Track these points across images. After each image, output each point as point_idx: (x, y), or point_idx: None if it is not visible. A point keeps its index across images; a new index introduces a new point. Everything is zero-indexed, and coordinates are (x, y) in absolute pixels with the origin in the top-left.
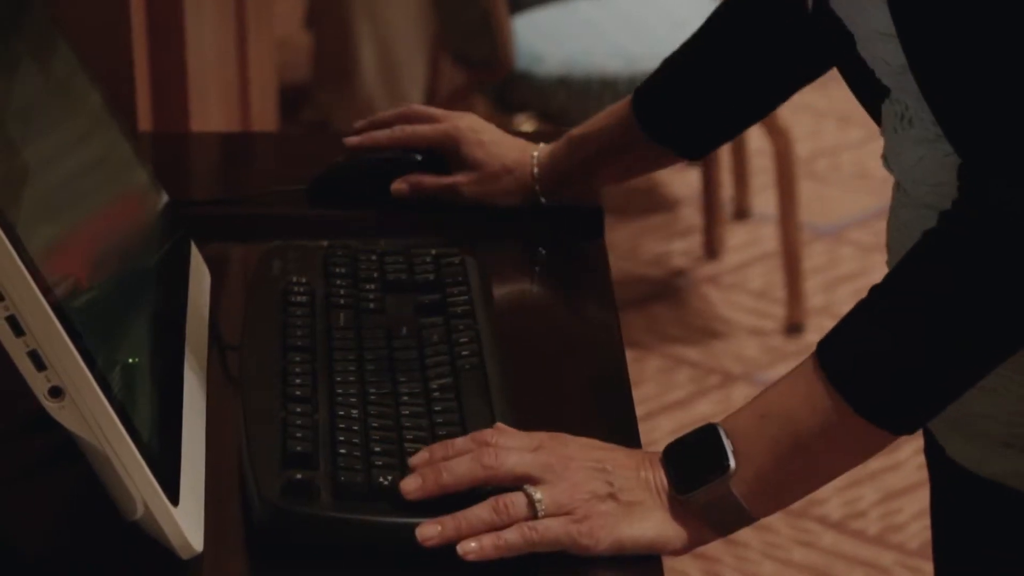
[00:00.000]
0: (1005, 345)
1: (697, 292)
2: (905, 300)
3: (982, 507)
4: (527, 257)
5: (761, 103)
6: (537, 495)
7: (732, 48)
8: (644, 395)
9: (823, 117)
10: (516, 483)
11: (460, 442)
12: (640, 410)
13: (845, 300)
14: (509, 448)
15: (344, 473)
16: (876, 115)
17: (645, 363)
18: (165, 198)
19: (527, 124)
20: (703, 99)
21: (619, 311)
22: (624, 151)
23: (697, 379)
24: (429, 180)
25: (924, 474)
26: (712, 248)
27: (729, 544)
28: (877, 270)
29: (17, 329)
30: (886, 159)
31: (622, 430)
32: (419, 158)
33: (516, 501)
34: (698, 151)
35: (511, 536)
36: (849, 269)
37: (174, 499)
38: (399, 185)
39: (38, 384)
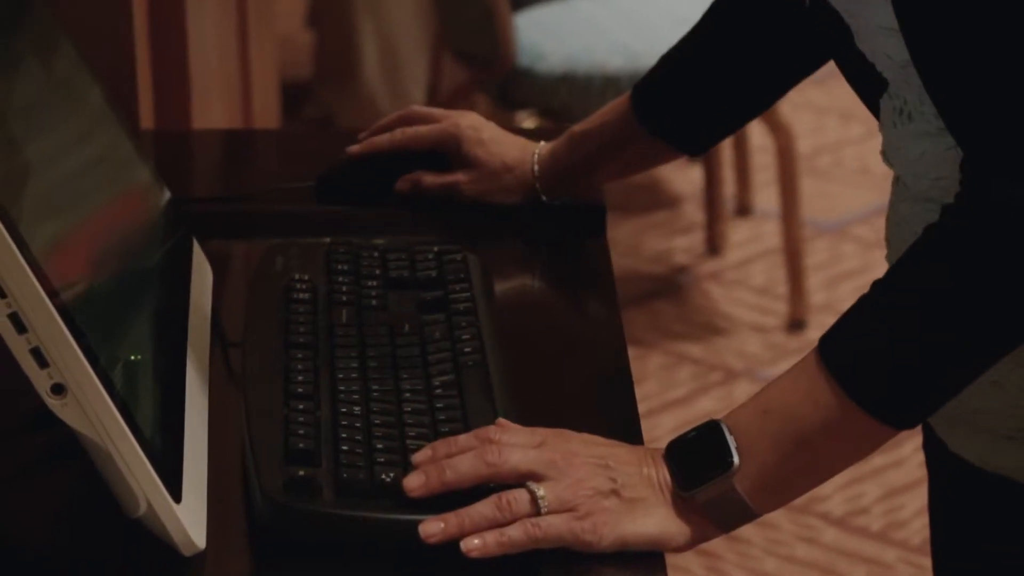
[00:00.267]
0: (1007, 340)
1: (699, 289)
2: (907, 295)
3: (983, 502)
4: (529, 254)
5: (759, 98)
6: (540, 492)
7: (730, 43)
8: (646, 392)
9: (825, 113)
10: (519, 480)
11: (463, 439)
12: (642, 407)
13: (847, 296)
14: (512, 445)
15: (346, 470)
16: (875, 109)
17: (647, 360)
18: (167, 195)
19: (529, 121)
20: (702, 94)
21: (621, 308)
22: (624, 147)
23: (699, 376)
24: (430, 178)
25: (926, 470)
26: (714, 245)
27: (732, 541)
28: (879, 266)
29: (19, 326)
30: (885, 154)
31: (624, 427)
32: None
33: (519, 498)
34: (698, 147)
35: (514, 533)
36: (851, 265)
37: (176, 496)
38: (401, 183)
39: (40, 381)
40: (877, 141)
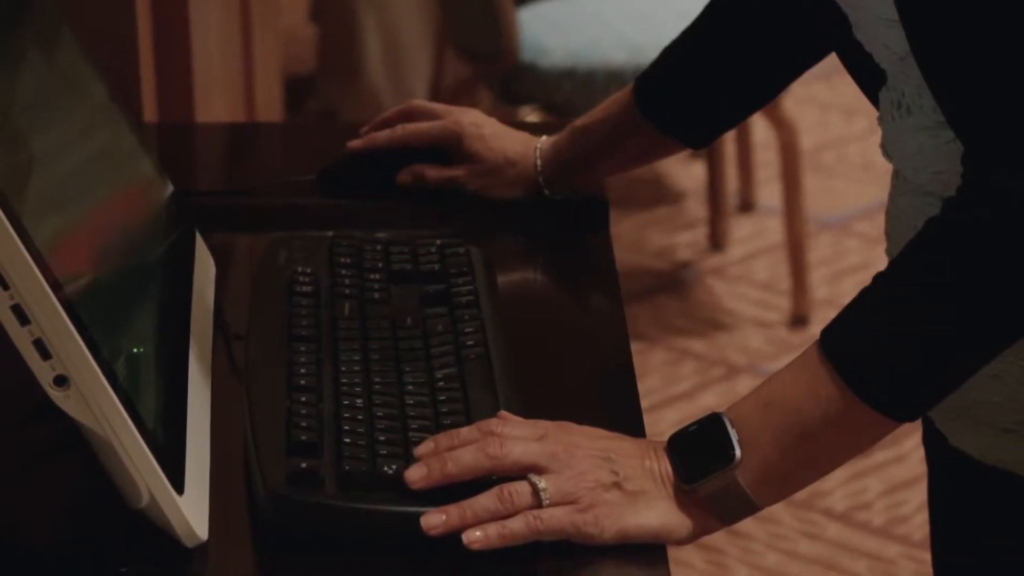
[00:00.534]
0: (1008, 333)
1: (702, 284)
2: (908, 289)
3: (983, 496)
4: (532, 248)
5: (762, 90)
6: (542, 484)
7: (731, 34)
8: (649, 387)
9: (828, 109)
10: (521, 472)
11: (465, 431)
12: (645, 402)
13: (850, 292)
14: (514, 437)
15: (349, 462)
16: (875, 100)
17: (650, 355)
18: (170, 188)
19: (532, 116)
20: (704, 86)
21: (624, 303)
22: (627, 140)
23: (702, 371)
24: (433, 171)
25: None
26: (717, 240)
27: (734, 535)
28: (882, 261)
29: (22, 318)
30: (884, 148)
31: (627, 421)
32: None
33: (521, 490)
34: (701, 139)
35: (516, 525)
36: (854, 261)
37: (179, 487)
38: (403, 176)
39: (43, 373)
40: (880, 137)
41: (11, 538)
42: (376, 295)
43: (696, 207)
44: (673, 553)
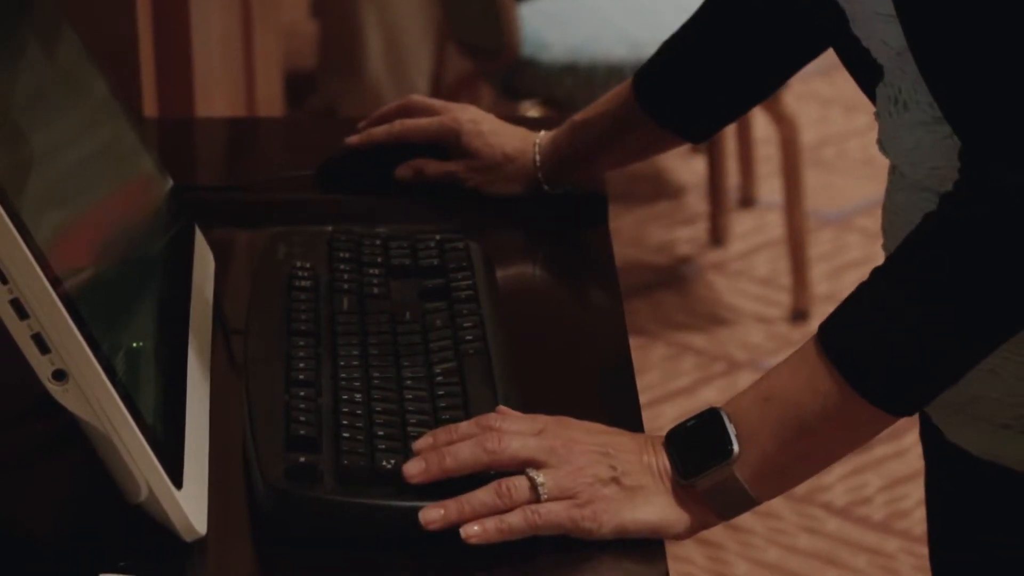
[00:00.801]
0: (1005, 327)
1: (703, 279)
2: (906, 283)
3: (980, 491)
4: (531, 243)
5: (761, 84)
6: (540, 479)
7: (730, 28)
8: (649, 382)
9: (829, 104)
10: (519, 467)
11: (464, 426)
12: (645, 397)
13: (851, 287)
14: (512, 432)
15: (347, 457)
16: (873, 96)
17: (650, 350)
18: (170, 184)
19: (533, 111)
20: (703, 80)
21: (624, 298)
22: (626, 134)
23: (702, 366)
24: (432, 167)
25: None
26: (718, 235)
27: (734, 530)
28: (882, 257)
29: (21, 312)
30: (881, 143)
31: (625, 415)
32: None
33: (519, 485)
34: (700, 133)
35: (514, 520)
36: (855, 256)
37: (178, 482)
38: (402, 170)
39: (42, 367)
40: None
41: (10, 532)
42: (375, 290)
43: (697, 202)
44: (673, 548)
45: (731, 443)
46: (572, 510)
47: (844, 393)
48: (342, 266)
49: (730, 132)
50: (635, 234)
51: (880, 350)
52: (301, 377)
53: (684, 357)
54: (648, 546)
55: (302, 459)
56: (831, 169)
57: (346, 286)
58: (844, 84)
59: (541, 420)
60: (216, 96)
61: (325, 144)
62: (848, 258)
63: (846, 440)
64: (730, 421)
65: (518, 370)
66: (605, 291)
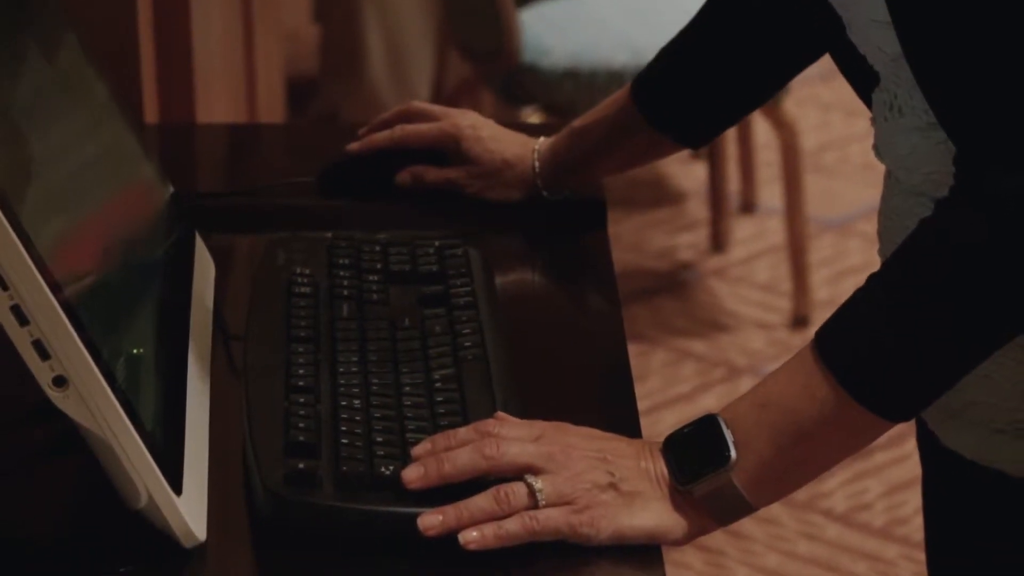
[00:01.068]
0: (1001, 332)
1: (703, 285)
2: (902, 289)
3: (977, 496)
4: (530, 249)
5: (758, 89)
6: (538, 485)
7: (727, 34)
8: (650, 388)
9: (829, 110)
10: (517, 473)
11: (462, 432)
12: (646, 403)
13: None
14: (510, 438)
15: (346, 463)
16: (869, 102)
17: (651, 356)
18: (170, 190)
19: (534, 117)
20: (700, 85)
21: (625, 304)
22: (625, 140)
23: (703, 372)
24: (431, 173)
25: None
26: (718, 241)
27: (734, 537)
28: (881, 263)
29: (22, 318)
30: (877, 148)
31: (623, 421)
32: None
33: (517, 491)
34: (697, 139)
35: (512, 526)
36: (856, 261)
37: (177, 488)
38: (402, 176)
39: (42, 373)
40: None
41: (10, 538)
42: (374, 296)
43: (697, 208)
44: (672, 554)
45: (728, 449)
46: (570, 516)
47: (840, 399)
48: (341, 272)
49: (731, 137)
50: (636, 240)
51: (876, 356)
52: (300, 383)
53: (685, 363)
54: (645, 552)
55: (301, 465)
56: (832, 174)
57: (345, 292)
58: (844, 89)
59: (539, 426)
60: (217, 101)
61: (326, 150)
62: (849, 263)
63: (843, 445)
64: (727, 427)
65: (517, 376)
66: (604, 296)
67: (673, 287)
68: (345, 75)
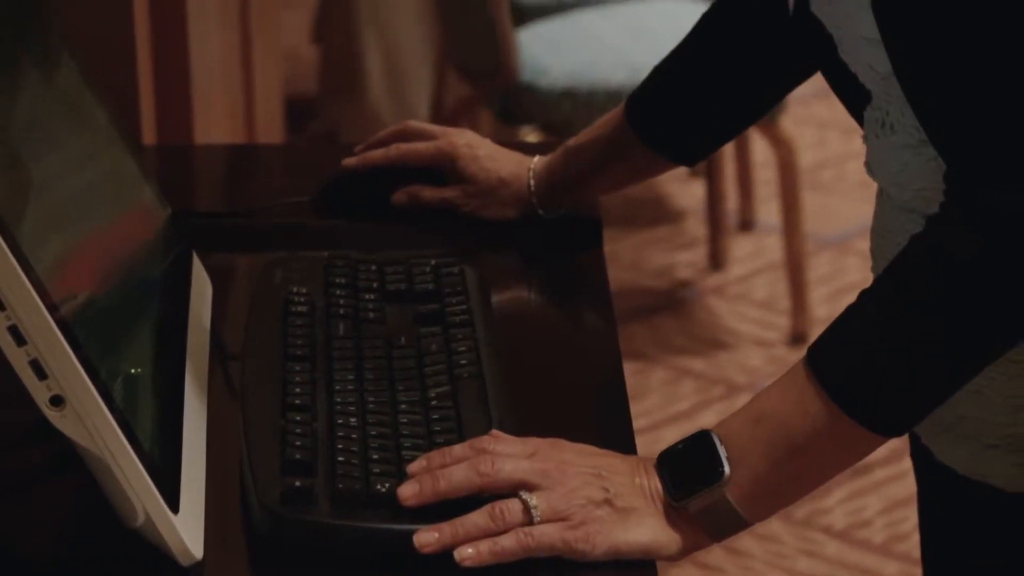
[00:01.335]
0: (992, 347)
1: (702, 303)
2: (893, 305)
3: (970, 511)
4: (526, 267)
5: (751, 107)
6: (533, 501)
7: (719, 52)
8: (649, 406)
9: (827, 127)
10: (512, 489)
11: (457, 449)
12: (645, 421)
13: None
14: (505, 455)
15: (342, 480)
16: (861, 120)
17: (650, 374)
18: (168, 211)
19: (532, 136)
20: (693, 103)
21: (624, 322)
22: (619, 159)
23: (702, 390)
24: (428, 192)
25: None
26: (717, 259)
27: (733, 554)
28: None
29: (19, 338)
30: (869, 166)
31: (619, 439)
32: None
33: (512, 508)
34: (691, 156)
35: (507, 542)
36: (854, 279)
37: (174, 507)
38: (398, 196)
39: (39, 393)
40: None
41: (9, 557)
42: (371, 315)
43: (696, 226)
44: (671, 571)
45: (722, 465)
46: (565, 532)
47: (833, 414)
48: (338, 291)
49: (728, 155)
50: (634, 258)
51: (867, 371)
52: (297, 401)
53: (683, 381)
54: (641, 567)
55: (298, 483)
56: (829, 192)
57: (342, 311)
58: (840, 107)
59: (533, 443)
60: (216, 122)
61: (323, 170)
62: (847, 281)
63: (837, 460)
64: (721, 443)
65: (512, 394)
66: (599, 314)
67: (672, 305)
68: (344, 95)
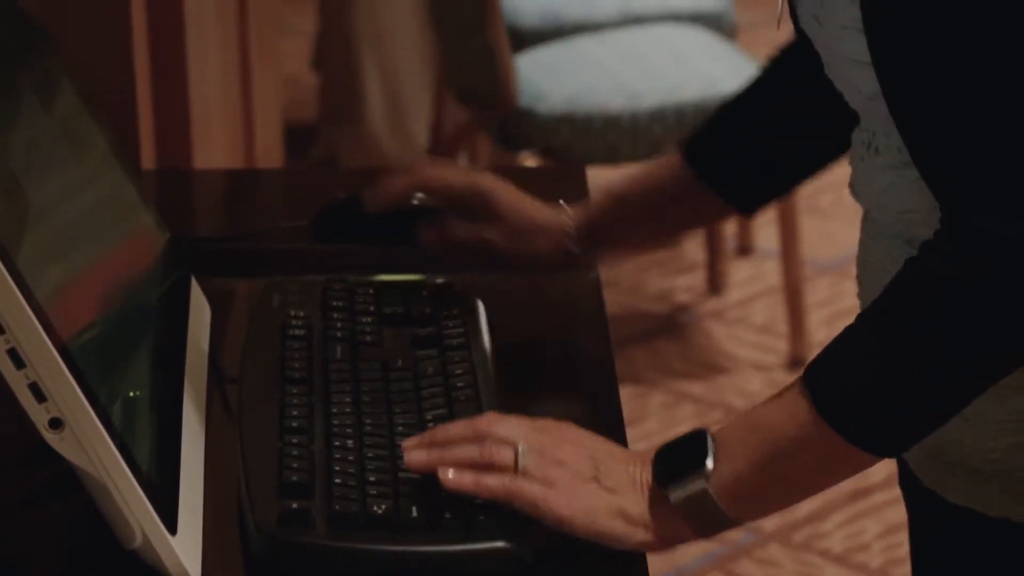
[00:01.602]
0: (987, 374)
1: (700, 328)
2: (885, 326)
3: (957, 536)
4: (523, 291)
5: (821, 151)
6: (522, 447)
7: (789, 96)
8: (647, 430)
9: None
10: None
11: (456, 428)
12: (644, 445)
13: None
14: (505, 423)
15: (339, 502)
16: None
17: (649, 398)
18: (167, 236)
19: (530, 160)
20: (761, 145)
21: (623, 346)
22: (676, 203)
23: (700, 414)
24: (464, 229)
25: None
26: (715, 284)
27: None
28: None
29: (18, 362)
30: (853, 187)
31: None
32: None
33: (503, 451)
34: (755, 201)
35: (492, 481)
36: (852, 303)
37: (172, 528)
38: (429, 235)
39: (38, 416)
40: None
41: None
42: (368, 338)
43: (694, 250)
44: None
45: (707, 459)
46: (548, 492)
47: (820, 427)
48: (335, 315)
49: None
50: (633, 282)
51: (857, 390)
52: (294, 424)
53: (682, 405)
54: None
55: (295, 505)
56: (828, 216)
57: (339, 334)
58: None
59: (542, 420)
60: (215, 147)
61: (321, 194)
62: (845, 305)
63: (825, 473)
64: (712, 440)
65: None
66: (596, 337)
67: (671, 329)
68: (344, 121)
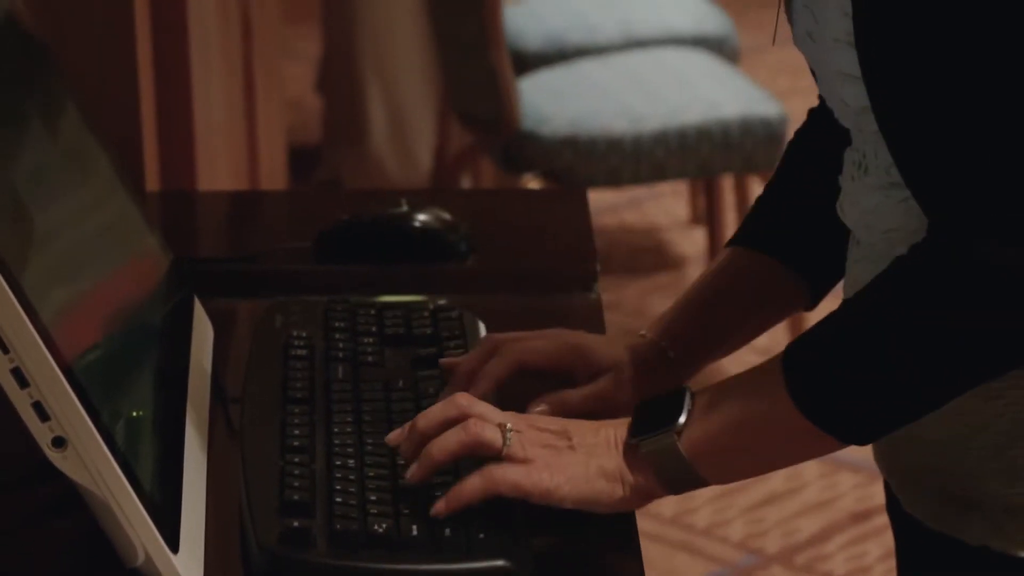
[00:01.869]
0: (956, 379)
1: None
2: (861, 318)
3: (937, 562)
4: (523, 311)
5: None
6: (509, 425)
7: (827, 158)
8: None
9: None
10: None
11: (436, 411)
12: None
13: None
14: (485, 411)
15: (340, 521)
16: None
17: None
18: (170, 257)
19: (533, 183)
20: (817, 215)
21: None
22: (770, 297)
23: None
24: (575, 397)
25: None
26: None
27: None
28: None
29: (22, 381)
30: (841, 207)
31: None
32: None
33: (488, 429)
34: (831, 272)
35: (469, 486)
36: None
37: (174, 546)
38: (538, 406)
39: (42, 434)
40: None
41: None
42: (369, 358)
43: (697, 273)
44: None
45: (680, 414)
46: (528, 468)
47: (788, 407)
48: (337, 335)
49: (729, 203)
50: (638, 305)
51: (825, 374)
52: (296, 443)
53: None
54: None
55: (296, 523)
56: None
57: (341, 355)
58: None
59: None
60: (220, 169)
61: (324, 216)
62: None
63: (789, 449)
64: (690, 399)
65: None
66: None
67: None
68: (347, 143)
